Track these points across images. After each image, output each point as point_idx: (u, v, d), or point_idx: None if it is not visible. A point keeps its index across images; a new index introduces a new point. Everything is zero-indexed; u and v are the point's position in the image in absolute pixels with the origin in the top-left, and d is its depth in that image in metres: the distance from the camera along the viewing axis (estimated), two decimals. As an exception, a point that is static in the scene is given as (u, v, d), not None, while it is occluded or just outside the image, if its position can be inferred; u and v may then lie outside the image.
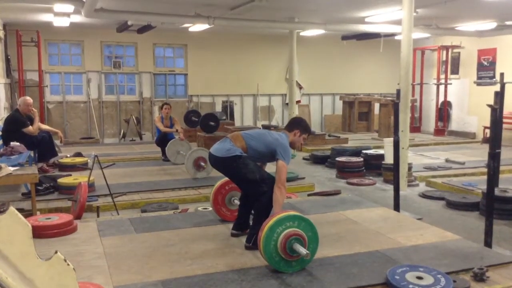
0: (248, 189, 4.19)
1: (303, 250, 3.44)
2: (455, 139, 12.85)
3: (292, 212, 3.69)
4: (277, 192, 3.89)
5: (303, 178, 7.52)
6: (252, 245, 3.97)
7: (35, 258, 1.77)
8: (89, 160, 7.88)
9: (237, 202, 4.71)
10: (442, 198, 6.40)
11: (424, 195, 6.72)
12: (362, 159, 8.27)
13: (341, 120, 14.56)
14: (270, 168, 4.45)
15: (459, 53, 13.69)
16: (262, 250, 3.53)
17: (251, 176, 4.00)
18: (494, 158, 4.33)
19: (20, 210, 5.03)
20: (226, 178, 4.67)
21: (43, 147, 7.51)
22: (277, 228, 3.52)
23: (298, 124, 4.28)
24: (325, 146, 10.99)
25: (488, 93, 9.84)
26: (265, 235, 3.50)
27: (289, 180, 6.91)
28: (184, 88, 13.89)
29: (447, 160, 9.14)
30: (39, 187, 5.94)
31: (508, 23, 10.92)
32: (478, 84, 12.68)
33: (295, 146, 4.34)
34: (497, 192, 5.16)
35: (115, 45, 13.01)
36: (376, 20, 10.27)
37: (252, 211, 4.27)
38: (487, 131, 11.11)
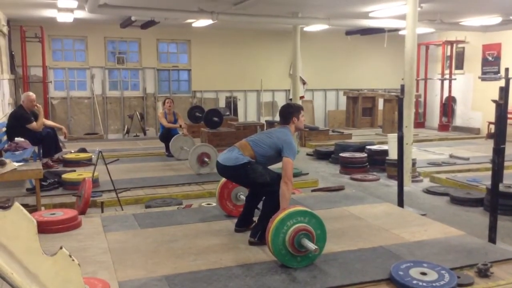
0: (259, 192, 4.19)
1: (311, 245, 3.45)
2: (460, 135, 12.80)
3: (303, 208, 3.70)
4: (284, 187, 3.88)
5: (307, 173, 7.52)
6: (257, 240, 3.98)
7: (40, 254, 1.78)
8: (93, 156, 7.90)
9: (243, 197, 4.72)
10: (446, 194, 6.39)
11: (428, 191, 6.70)
12: (366, 154, 8.26)
13: (345, 115, 14.52)
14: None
15: (463, 48, 13.62)
16: (270, 242, 3.54)
17: (262, 180, 4.01)
18: (498, 153, 4.32)
19: (25, 205, 5.04)
20: None
21: (47, 143, 7.53)
22: (288, 221, 3.53)
23: (289, 113, 4.23)
24: (328, 141, 10.98)
25: (492, 89, 9.79)
26: (275, 227, 3.51)
27: (293, 175, 6.92)
28: (188, 84, 13.89)
29: (451, 156, 9.11)
30: (44, 183, 5.96)
31: (513, 17, 10.85)
32: (483, 79, 12.61)
33: (301, 128, 4.36)
34: (501, 187, 5.14)
35: (119, 40, 13.01)
36: (380, 15, 10.22)
37: (259, 207, 4.28)
38: (492, 126, 11.04)
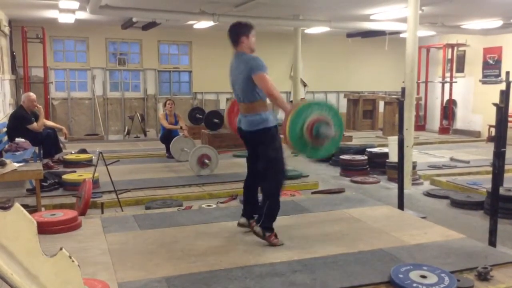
0: (261, 163, 4.06)
1: (331, 131, 3.59)
2: (460, 138, 12.80)
3: (332, 105, 3.84)
4: (271, 98, 3.80)
5: (307, 176, 7.52)
6: (261, 226, 3.96)
7: (40, 255, 1.78)
8: (93, 157, 7.90)
9: None
10: (446, 197, 6.38)
11: (428, 194, 6.70)
12: (366, 157, 8.25)
13: (346, 118, 14.51)
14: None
15: (464, 51, 13.63)
16: (289, 122, 3.63)
17: (272, 154, 3.95)
18: (499, 157, 4.31)
19: (25, 206, 5.02)
20: None
21: (48, 144, 7.54)
22: (314, 107, 3.66)
23: (237, 33, 3.94)
24: (329, 144, 10.96)
25: (493, 92, 9.76)
26: (299, 109, 3.64)
27: (293, 178, 6.93)
28: (189, 85, 13.90)
29: (451, 159, 9.11)
30: (44, 183, 5.96)
31: (514, 21, 10.86)
32: (484, 82, 12.61)
33: (253, 49, 4.03)
34: (501, 191, 5.14)
35: (120, 42, 13.02)
36: (381, 17, 10.24)
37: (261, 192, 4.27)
38: (492, 129, 11.05)
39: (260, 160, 4.10)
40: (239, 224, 4.34)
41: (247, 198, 4.38)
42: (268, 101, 3.98)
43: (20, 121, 7.25)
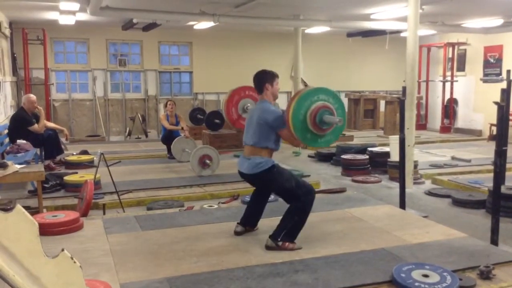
0: (283, 197, 4.11)
1: (335, 118, 3.62)
2: (461, 137, 12.78)
3: (331, 90, 3.91)
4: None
5: (308, 175, 7.51)
6: (279, 240, 3.91)
7: (42, 256, 1.78)
8: (95, 158, 7.90)
9: (250, 107, 4.63)
10: (448, 196, 6.38)
11: (430, 193, 6.69)
12: (367, 156, 8.25)
13: (347, 117, 14.44)
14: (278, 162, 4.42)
15: (465, 50, 13.61)
16: (292, 109, 3.66)
17: (288, 185, 3.97)
18: (500, 155, 4.31)
19: (27, 207, 5.05)
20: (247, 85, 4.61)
21: (49, 145, 7.55)
22: (315, 96, 3.69)
23: (263, 80, 4.08)
24: (330, 143, 10.96)
25: (494, 90, 9.79)
26: (303, 95, 3.64)
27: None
28: (189, 86, 13.90)
29: (453, 158, 9.10)
30: (46, 185, 5.97)
31: (514, 19, 10.83)
32: (485, 81, 12.60)
33: (276, 96, 4.19)
34: (503, 189, 5.13)
35: (121, 43, 13.03)
36: (382, 17, 10.23)
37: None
38: (494, 128, 11.04)
39: (280, 195, 4.16)
40: (236, 233, 4.32)
41: (251, 211, 4.37)
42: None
43: (20, 122, 7.26)
